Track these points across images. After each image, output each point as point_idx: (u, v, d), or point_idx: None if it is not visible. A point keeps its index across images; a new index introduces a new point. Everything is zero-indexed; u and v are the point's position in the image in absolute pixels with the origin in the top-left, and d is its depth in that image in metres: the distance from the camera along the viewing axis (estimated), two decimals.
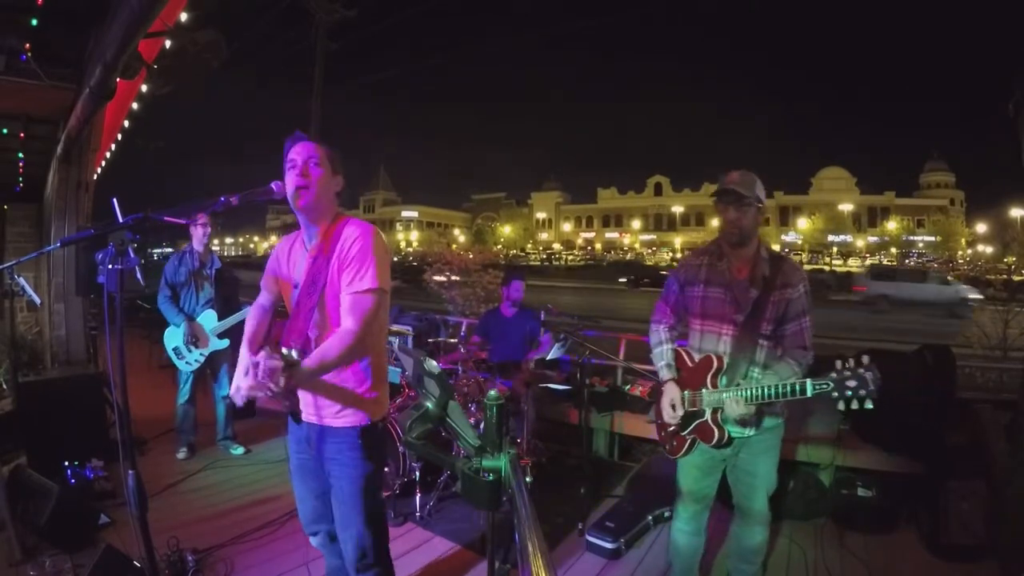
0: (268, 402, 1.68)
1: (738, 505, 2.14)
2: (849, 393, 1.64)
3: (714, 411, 1.94)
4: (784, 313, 1.92)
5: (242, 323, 3.69)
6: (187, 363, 3.78)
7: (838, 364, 1.67)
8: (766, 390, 1.80)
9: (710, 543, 2.32)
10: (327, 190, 1.71)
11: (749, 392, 1.83)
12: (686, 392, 2.00)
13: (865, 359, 1.64)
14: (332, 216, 1.75)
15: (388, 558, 1.88)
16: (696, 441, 2.02)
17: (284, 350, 1.60)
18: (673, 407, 1.99)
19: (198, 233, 3.80)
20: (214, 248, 4.03)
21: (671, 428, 2.06)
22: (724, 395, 1.88)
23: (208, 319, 3.79)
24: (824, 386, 1.69)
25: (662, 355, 2.11)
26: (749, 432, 1.98)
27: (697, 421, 1.99)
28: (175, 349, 3.77)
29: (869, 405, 1.62)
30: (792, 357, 1.92)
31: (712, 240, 2.11)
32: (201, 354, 3.77)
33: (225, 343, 3.84)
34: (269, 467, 3.75)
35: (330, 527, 1.89)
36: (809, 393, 1.71)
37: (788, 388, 1.76)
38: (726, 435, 1.95)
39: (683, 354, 2.10)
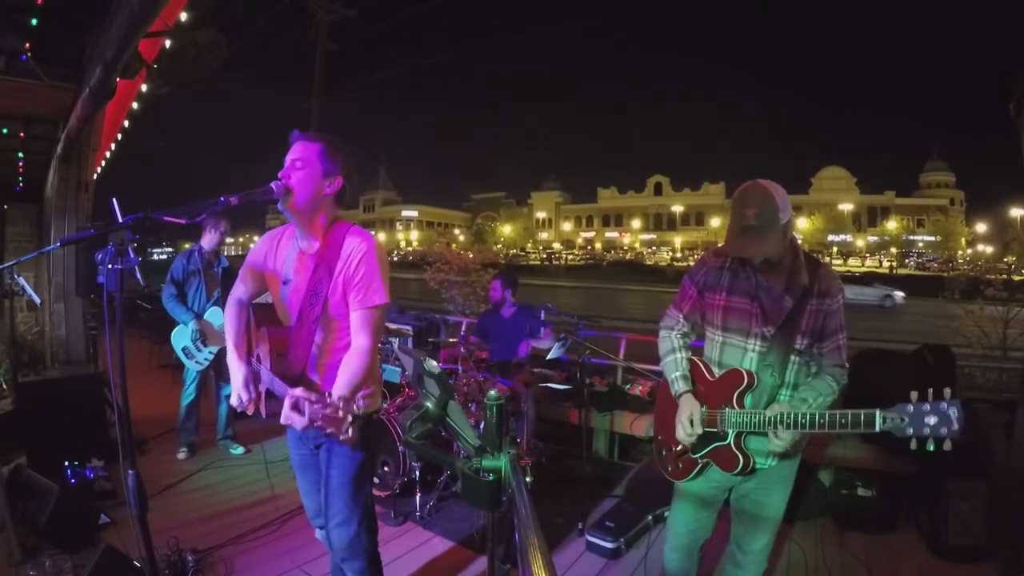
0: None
1: (735, 541, 1.89)
2: (927, 431, 1.35)
3: (737, 435, 1.68)
4: (822, 327, 1.67)
5: None
6: (197, 363, 3.76)
7: (914, 395, 1.38)
8: (818, 417, 1.47)
9: (714, 547, 2.17)
10: (310, 191, 1.62)
11: (795, 417, 1.51)
12: (703, 408, 1.73)
13: (947, 392, 1.36)
14: (327, 219, 1.69)
15: (375, 551, 1.86)
16: (708, 465, 1.77)
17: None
18: (691, 422, 1.71)
19: (214, 237, 3.81)
20: None
21: (678, 448, 1.80)
22: (764, 416, 1.59)
23: (215, 316, 3.77)
24: (898, 420, 1.38)
25: (676, 364, 1.83)
26: (773, 462, 1.73)
27: (715, 444, 1.72)
28: (184, 349, 3.75)
29: (948, 447, 1.34)
30: (829, 374, 1.67)
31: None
32: (211, 352, 3.76)
33: None
34: (269, 467, 3.74)
35: None
36: (877, 427, 1.41)
37: (848, 418, 1.43)
38: (752, 462, 1.69)
39: (700, 365, 1.82)
